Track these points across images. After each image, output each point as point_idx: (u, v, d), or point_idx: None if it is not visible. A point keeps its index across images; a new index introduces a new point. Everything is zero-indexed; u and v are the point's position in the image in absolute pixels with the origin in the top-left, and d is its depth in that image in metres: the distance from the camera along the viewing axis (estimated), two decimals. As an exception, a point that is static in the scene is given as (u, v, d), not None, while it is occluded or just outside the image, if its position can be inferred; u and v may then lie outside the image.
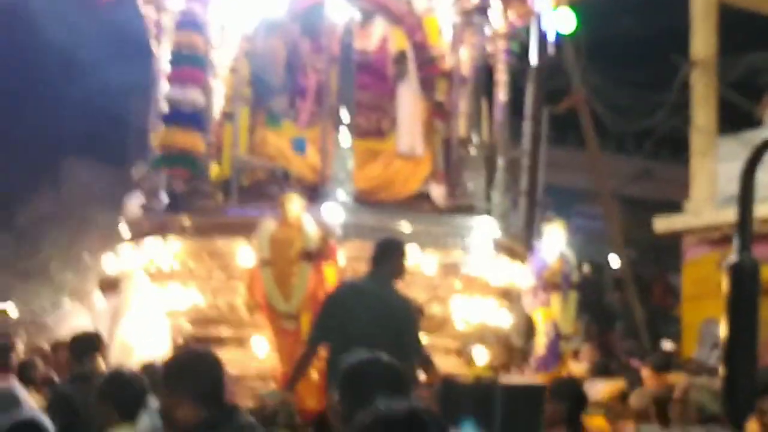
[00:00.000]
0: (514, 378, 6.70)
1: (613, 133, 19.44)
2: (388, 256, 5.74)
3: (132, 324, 8.81)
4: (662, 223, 14.49)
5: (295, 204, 7.16)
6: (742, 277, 4.87)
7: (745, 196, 4.92)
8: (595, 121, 15.89)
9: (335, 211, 7.51)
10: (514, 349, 8.60)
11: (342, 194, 7.85)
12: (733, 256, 4.90)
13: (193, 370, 3.04)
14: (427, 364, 5.89)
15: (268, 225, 7.22)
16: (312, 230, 7.15)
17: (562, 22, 9.10)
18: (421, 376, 5.89)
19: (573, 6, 9.30)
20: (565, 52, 14.29)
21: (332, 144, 8.03)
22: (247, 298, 7.30)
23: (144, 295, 8.66)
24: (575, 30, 9.43)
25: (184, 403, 2.98)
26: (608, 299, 22.97)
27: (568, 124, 22.06)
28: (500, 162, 9.25)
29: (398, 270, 5.67)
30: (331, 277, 7.06)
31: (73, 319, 11.70)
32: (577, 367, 8.59)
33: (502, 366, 8.34)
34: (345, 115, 7.99)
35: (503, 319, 8.63)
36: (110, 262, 8.98)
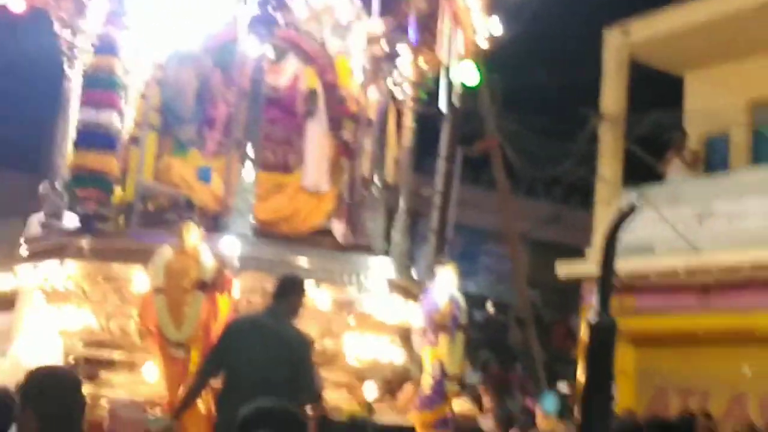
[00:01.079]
0: (387, 417, 6.88)
1: (525, 177, 19.95)
2: (289, 292, 5.88)
3: (25, 342, 8.74)
4: (564, 268, 14.96)
5: (192, 233, 7.26)
6: (600, 336, 5.15)
7: (607, 258, 5.22)
8: (507, 165, 16.35)
9: (233, 244, 7.64)
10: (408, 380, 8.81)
11: (242, 226, 8.00)
12: (592, 315, 5.20)
13: (43, 389, 2.91)
14: (316, 400, 6.01)
15: (165, 252, 7.30)
16: (208, 261, 7.26)
17: (466, 74, 9.44)
18: (309, 410, 6.01)
19: (485, 57, 9.67)
20: (480, 97, 14.73)
21: (236, 176, 8.17)
22: (139, 323, 7.34)
23: (38, 314, 8.61)
24: (480, 82, 9.79)
25: (29, 423, 2.86)
26: (510, 338, 23.40)
27: (481, 166, 22.57)
28: (402, 204, 9.49)
29: (296, 306, 5.82)
30: (224, 308, 7.18)
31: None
32: (463, 405, 8.84)
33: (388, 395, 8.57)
34: (250, 148, 8.13)
35: (395, 356, 8.83)
36: (7, 279, 8.89)
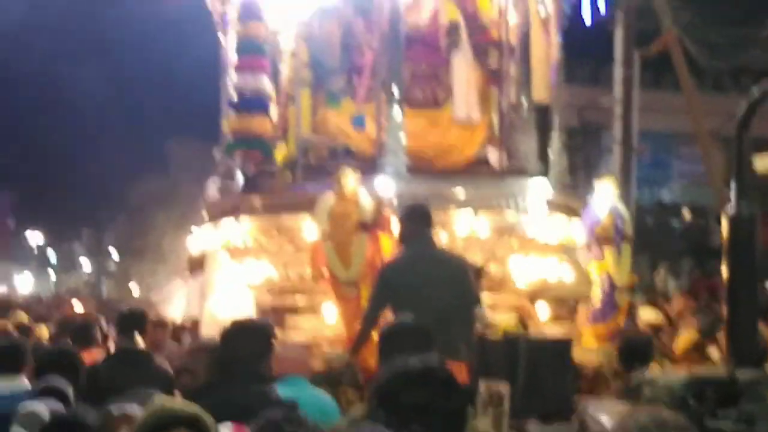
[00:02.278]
0: (540, 333, 7.07)
1: (709, 71, 19.14)
2: (429, 221, 6.08)
3: (218, 299, 9.60)
4: (763, 162, 14.30)
5: (350, 179, 7.71)
6: (741, 225, 5.18)
7: (740, 148, 5.22)
8: (689, 61, 15.72)
9: (388, 183, 8.03)
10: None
11: (397, 165, 8.36)
12: (731, 207, 5.22)
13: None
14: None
15: (327, 200, 7.80)
16: (367, 202, 7.70)
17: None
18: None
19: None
20: None
21: (387, 118, 8.53)
22: (311, 268, 7.91)
23: (226, 272, 9.42)
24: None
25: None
26: (712, 242, 22.70)
27: (661, 66, 21.81)
28: (556, 122, 9.55)
29: (431, 229, 5.99)
30: (387, 245, 7.60)
31: (174, 297, 12.63)
32: (648, 314, 8.87)
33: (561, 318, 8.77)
34: (396, 89, 8.45)
35: (564, 275, 9.00)
36: (194, 242, 9.76)
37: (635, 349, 6.19)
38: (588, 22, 9.61)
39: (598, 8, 9.58)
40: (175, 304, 11.97)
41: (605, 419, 4.50)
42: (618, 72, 16.04)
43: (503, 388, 5.80)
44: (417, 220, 5.89)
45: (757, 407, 4.84)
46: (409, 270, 5.68)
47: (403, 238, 5.94)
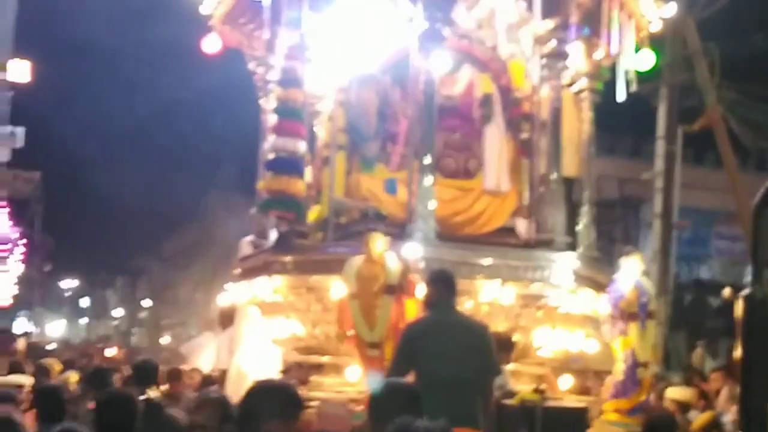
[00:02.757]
0: (558, 401, 7.22)
1: (753, 150, 19.23)
2: (453, 287, 6.23)
3: (246, 352, 9.87)
4: None
5: (378, 242, 8.00)
6: (755, 307, 5.36)
7: (756, 231, 5.42)
8: (733, 139, 15.83)
9: (416, 249, 8.30)
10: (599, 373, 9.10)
11: (426, 231, 8.63)
12: (747, 288, 5.41)
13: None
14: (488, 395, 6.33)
15: (355, 261, 8.08)
16: (394, 266, 7.97)
17: (642, 60, 9.60)
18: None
19: (653, 45, 9.78)
20: (697, 68, 14.54)
21: (418, 185, 8.84)
22: (337, 328, 8.17)
23: (255, 327, 9.71)
24: (655, 66, 9.88)
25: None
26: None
27: (704, 144, 21.93)
28: (586, 196, 9.80)
29: (455, 296, 6.16)
30: (411, 309, 7.84)
31: (203, 348, 12.91)
32: (674, 392, 8.96)
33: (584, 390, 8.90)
34: (429, 158, 8.77)
35: (588, 347, 9.16)
36: (225, 296, 10.08)
37: (658, 427, 6.32)
38: (620, 98, 9.90)
39: (630, 85, 9.88)
40: (204, 355, 12.26)
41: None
42: (660, 146, 16.32)
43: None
44: (442, 285, 6.01)
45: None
46: (431, 333, 5.79)
47: (428, 302, 6.11)
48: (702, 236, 25.95)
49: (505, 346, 7.79)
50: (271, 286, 9.08)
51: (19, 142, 35.35)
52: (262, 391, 3.82)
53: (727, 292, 24.97)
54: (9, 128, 32.23)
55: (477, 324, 6.19)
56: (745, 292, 5.45)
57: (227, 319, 10.73)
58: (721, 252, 27.03)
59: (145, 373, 6.42)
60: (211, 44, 10.19)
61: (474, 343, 5.85)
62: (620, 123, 28.37)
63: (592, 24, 9.48)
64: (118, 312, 53.49)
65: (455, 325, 5.92)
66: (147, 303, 48.71)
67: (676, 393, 8.64)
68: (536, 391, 6.49)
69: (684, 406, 8.32)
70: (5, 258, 32.59)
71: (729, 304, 18.90)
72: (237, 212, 20.60)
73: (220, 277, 18.24)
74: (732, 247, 26.37)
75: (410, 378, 5.55)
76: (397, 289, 7.91)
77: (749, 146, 16.91)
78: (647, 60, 9.73)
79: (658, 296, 15.84)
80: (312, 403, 8.46)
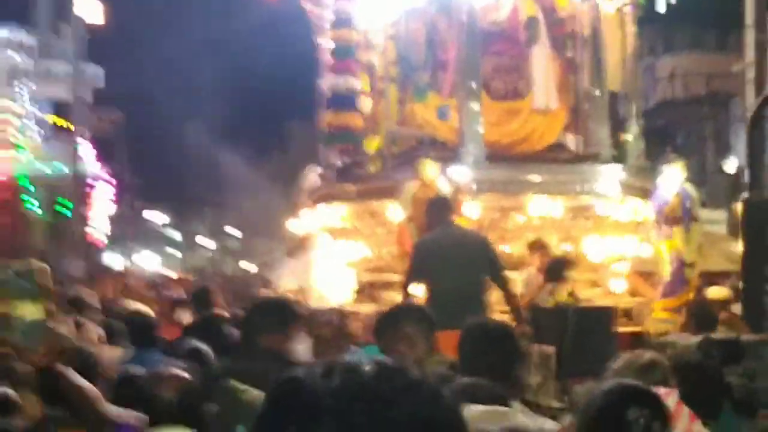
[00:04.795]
0: (588, 303, 8.16)
1: None
2: (445, 208, 7.28)
3: (322, 275, 11.10)
4: None
5: (429, 168, 8.99)
6: (754, 211, 6.27)
7: (752, 141, 6.27)
8: None
9: (465, 171, 9.28)
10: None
11: (476, 154, 9.58)
12: (746, 193, 6.31)
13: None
14: (507, 290, 7.07)
15: (410, 187, 9.10)
16: (445, 189, 8.95)
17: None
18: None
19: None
20: None
21: (468, 110, 9.76)
22: (398, 247, 9.26)
23: (327, 251, 10.91)
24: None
25: None
26: None
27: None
28: (633, 108, 10.56)
29: (451, 216, 7.22)
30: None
31: (285, 274, 14.23)
32: (719, 292, 9.83)
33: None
34: (476, 82, 9.67)
35: (638, 251, 10.05)
36: (297, 224, 11.27)
37: (699, 317, 7.27)
38: (663, 9, 10.55)
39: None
40: (286, 280, 13.56)
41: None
42: (749, 35, 16.35)
43: (550, 351, 7.07)
44: (439, 209, 7.17)
45: (758, 365, 5.95)
46: (436, 248, 6.85)
47: (430, 223, 7.22)
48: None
49: (560, 264, 8.74)
50: (338, 214, 10.20)
51: (100, 83, 37.20)
52: (258, 308, 4.26)
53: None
54: (88, 67, 34.01)
55: (473, 233, 7.21)
56: (744, 196, 6.34)
57: (301, 244, 11.97)
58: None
59: (203, 297, 7.55)
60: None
61: (474, 252, 6.80)
62: (704, 16, 28.34)
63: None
64: (209, 243, 55.99)
65: (456, 239, 6.89)
66: (236, 233, 50.83)
67: (715, 292, 9.51)
68: (569, 295, 7.47)
69: (723, 302, 9.18)
70: (97, 196, 34.66)
71: None
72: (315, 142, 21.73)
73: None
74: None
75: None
76: (449, 209, 8.90)
77: None
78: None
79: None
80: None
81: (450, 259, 6.64)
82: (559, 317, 6.92)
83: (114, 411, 3.75)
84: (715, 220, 18.34)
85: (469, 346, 3.89)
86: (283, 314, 4.09)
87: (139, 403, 3.87)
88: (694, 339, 6.28)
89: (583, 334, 6.81)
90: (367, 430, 1.19)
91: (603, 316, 6.91)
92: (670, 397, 3.44)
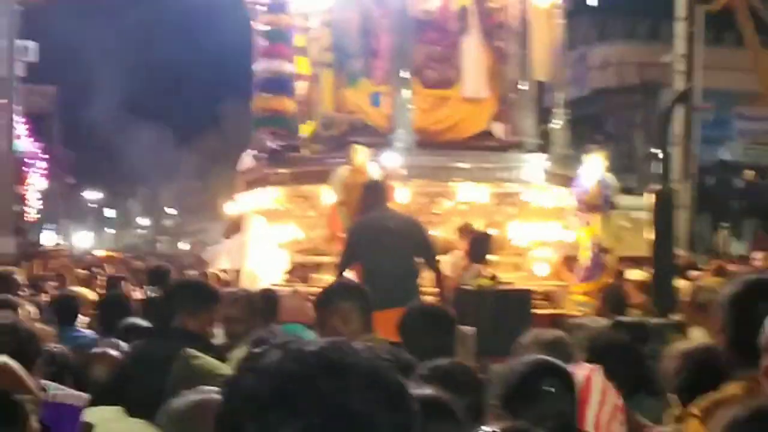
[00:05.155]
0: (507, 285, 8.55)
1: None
2: (380, 192, 7.62)
3: (255, 256, 11.34)
4: None
5: (360, 153, 9.28)
6: (663, 201, 6.70)
7: (663, 135, 6.70)
8: (755, 17, 16.37)
9: (395, 157, 9.60)
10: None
11: (407, 140, 9.90)
12: (656, 186, 6.74)
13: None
14: (438, 272, 7.43)
15: (341, 171, 9.39)
16: (375, 174, 9.26)
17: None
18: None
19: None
20: None
21: (399, 97, 10.07)
22: (328, 230, 9.55)
23: (261, 233, 11.15)
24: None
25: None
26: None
27: (723, 23, 22.55)
28: (558, 98, 10.98)
29: (386, 201, 7.59)
30: (392, 212, 9.15)
31: (220, 255, 14.42)
32: (634, 274, 10.31)
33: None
34: (405, 70, 9.99)
35: (558, 237, 10.50)
36: (232, 206, 11.51)
37: (610, 298, 7.68)
38: (592, 1, 10.98)
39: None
40: (221, 260, 13.77)
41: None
42: (680, 27, 16.84)
43: (470, 331, 7.43)
44: (374, 193, 7.52)
45: (661, 347, 6.38)
46: (370, 228, 7.20)
47: (365, 207, 7.54)
48: (723, 118, 26.72)
49: (485, 240, 9.13)
50: (271, 196, 10.46)
51: (33, 56, 36.68)
52: (174, 289, 4.47)
53: (750, 173, 25.93)
54: (22, 42, 33.52)
55: (409, 219, 7.52)
56: (655, 188, 6.78)
57: (236, 226, 12.19)
58: (743, 133, 27.81)
59: (158, 277, 7.80)
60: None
61: (407, 235, 7.14)
62: (638, 6, 29.05)
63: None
64: (144, 221, 55.70)
65: (390, 223, 7.23)
66: (171, 211, 50.62)
67: (636, 274, 9.99)
68: (491, 278, 7.86)
69: (641, 285, 9.67)
70: (28, 173, 34.27)
71: (752, 185, 19.89)
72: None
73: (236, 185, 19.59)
74: (754, 127, 27.18)
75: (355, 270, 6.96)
76: (379, 194, 9.22)
77: (770, 23, 17.21)
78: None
79: (682, 180, 16.79)
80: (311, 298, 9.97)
81: (384, 242, 6.94)
82: (479, 299, 7.29)
83: (52, 389, 3.83)
84: (644, 206, 19.00)
85: (413, 327, 4.18)
86: (200, 295, 4.23)
87: (69, 382, 4.06)
88: (603, 321, 6.68)
89: (501, 315, 7.18)
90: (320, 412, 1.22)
91: (520, 298, 7.30)
92: (596, 373, 3.79)
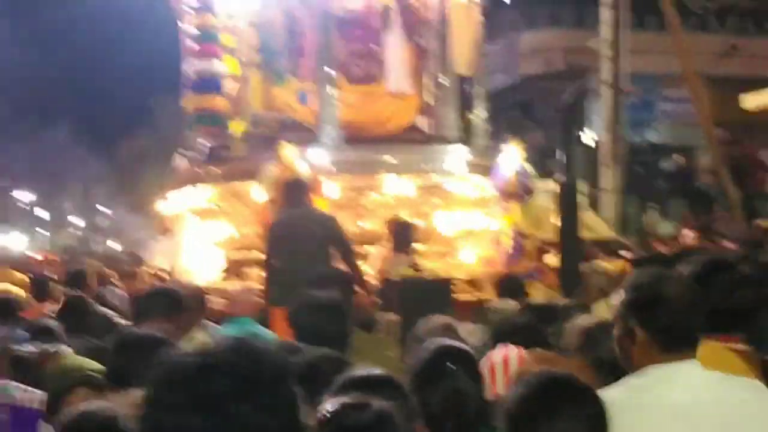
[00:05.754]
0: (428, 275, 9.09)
1: (696, 10, 20.28)
2: (299, 189, 8.14)
3: (190, 255, 11.68)
4: (750, 101, 15.55)
5: (287, 150, 9.70)
6: (569, 191, 7.24)
7: (567, 128, 7.23)
8: (676, 1, 16.97)
9: (322, 153, 10.04)
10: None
11: (333, 136, 10.35)
12: (562, 177, 7.26)
13: None
14: (352, 264, 7.96)
15: (271, 169, 9.80)
16: (303, 170, 9.69)
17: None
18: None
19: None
20: None
21: (323, 94, 10.51)
22: (259, 227, 9.95)
23: (195, 231, 11.50)
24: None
25: None
26: (702, 183, 24.21)
27: (645, 6, 23.23)
28: (479, 91, 11.52)
29: (306, 198, 8.09)
30: (322, 206, 9.60)
31: (155, 254, 14.71)
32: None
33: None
34: (328, 68, 10.44)
35: (489, 225, 11.04)
36: (166, 204, 11.84)
37: (506, 285, 8.18)
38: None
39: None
40: (156, 259, 14.06)
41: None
42: (605, 13, 17.42)
43: (395, 318, 7.92)
44: (292, 190, 8.00)
45: (567, 326, 6.92)
46: (284, 225, 7.74)
47: (284, 204, 8.04)
48: (648, 101, 27.57)
49: (407, 229, 9.64)
50: (204, 195, 10.82)
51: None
52: (147, 296, 4.91)
53: (677, 156, 26.83)
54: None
55: (322, 214, 8.06)
56: (560, 179, 7.31)
57: (170, 225, 12.51)
58: (668, 115, 28.71)
59: (77, 278, 8.15)
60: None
61: (319, 230, 7.69)
62: (562, -7, 29.80)
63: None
64: (79, 222, 55.26)
65: (303, 219, 7.80)
66: (106, 210, 50.36)
67: (552, 259, 10.60)
68: (414, 267, 8.36)
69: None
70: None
71: (680, 167, 20.37)
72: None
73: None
74: (679, 109, 28.08)
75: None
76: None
77: (692, 6, 17.82)
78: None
79: (610, 164, 17.38)
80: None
81: (296, 237, 7.41)
82: (402, 288, 7.77)
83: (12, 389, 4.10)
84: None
85: (304, 319, 4.58)
86: (172, 302, 4.59)
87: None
88: (512, 303, 7.18)
89: (423, 303, 7.66)
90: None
91: (441, 286, 7.80)
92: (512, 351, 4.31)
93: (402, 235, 9.41)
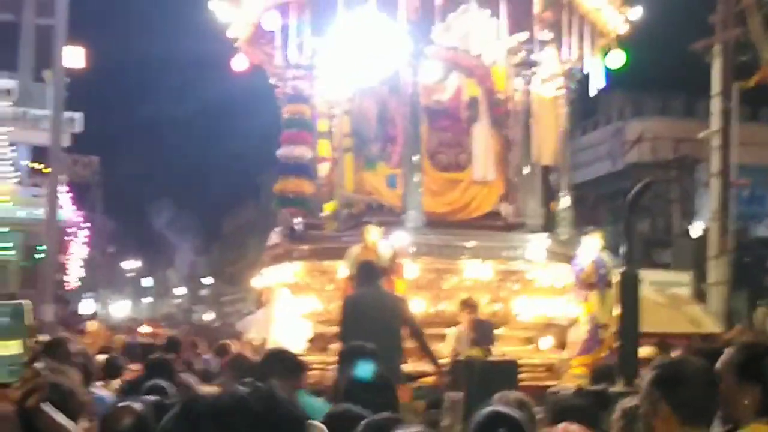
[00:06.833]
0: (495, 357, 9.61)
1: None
2: (371, 271, 8.83)
3: (281, 326, 12.51)
4: None
5: (372, 232, 10.46)
6: (629, 281, 7.77)
7: (629, 221, 7.80)
8: None
9: (404, 236, 10.78)
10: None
11: (417, 220, 11.09)
12: (623, 267, 7.82)
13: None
14: (422, 342, 8.65)
15: (354, 249, 10.56)
16: (385, 252, 10.44)
17: (612, 61, 11.89)
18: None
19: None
20: (751, 23, 15.89)
21: (409, 180, 11.31)
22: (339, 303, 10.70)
23: (286, 304, 12.34)
24: (626, 63, 12.12)
25: None
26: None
27: (759, 99, 23.43)
28: (564, 181, 12.14)
29: (379, 279, 8.78)
30: (400, 287, 10.31)
31: (250, 325, 15.60)
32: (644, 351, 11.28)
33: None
34: (416, 156, 11.25)
35: (567, 312, 11.55)
36: (259, 279, 12.75)
37: (600, 375, 8.69)
38: (593, 93, 12.20)
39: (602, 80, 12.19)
40: (251, 330, 14.94)
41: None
42: (716, 104, 17.71)
43: (459, 397, 8.52)
44: (366, 272, 8.72)
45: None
46: (356, 303, 8.42)
47: (358, 283, 8.74)
48: (759, 194, 27.50)
49: (487, 329, 10.25)
50: (292, 270, 11.67)
51: (78, 127, 38.62)
52: (269, 358, 5.41)
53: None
54: (68, 114, 35.40)
55: (391, 295, 8.71)
56: (621, 269, 7.85)
57: (263, 298, 13.39)
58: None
59: (171, 344, 9.00)
60: (239, 63, 12.79)
61: (389, 308, 8.33)
62: (673, 82, 30.20)
63: (558, 33, 11.79)
64: (181, 290, 57.36)
65: (374, 298, 8.44)
66: (208, 281, 52.23)
67: (642, 351, 10.99)
68: (483, 350, 8.96)
69: (649, 361, 10.63)
70: (70, 241, 35.92)
71: None
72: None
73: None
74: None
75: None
76: (388, 270, 10.38)
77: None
78: (617, 60, 12.03)
79: (718, 256, 17.54)
80: (330, 367, 11.07)
81: (367, 315, 8.12)
82: (468, 368, 8.37)
83: None
84: (679, 282, 19.77)
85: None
86: (292, 364, 5.21)
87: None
88: (572, 388, 7.69)
89: (488, 383, 8.23)
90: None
91: (506, 368, 8.35)
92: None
93: (482, 333, 10.03)
